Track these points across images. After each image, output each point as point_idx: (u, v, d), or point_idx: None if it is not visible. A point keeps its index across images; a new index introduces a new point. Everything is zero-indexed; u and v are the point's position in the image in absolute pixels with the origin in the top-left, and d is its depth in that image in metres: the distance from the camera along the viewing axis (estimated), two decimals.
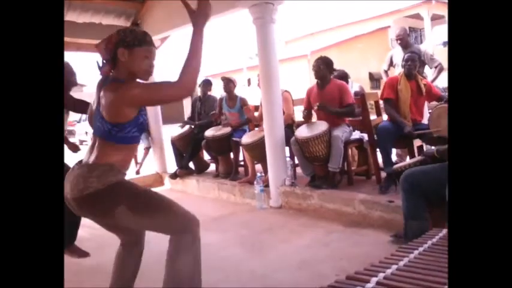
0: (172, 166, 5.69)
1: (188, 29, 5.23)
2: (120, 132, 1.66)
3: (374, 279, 1.35)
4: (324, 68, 3.82)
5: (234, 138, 4.68)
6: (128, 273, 1.95)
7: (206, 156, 5.46)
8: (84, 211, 1.73)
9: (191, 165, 5.34)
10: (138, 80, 1.72)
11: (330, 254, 2.70)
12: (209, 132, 4.85)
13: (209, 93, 5.48)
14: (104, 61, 1.74)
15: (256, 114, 4.73)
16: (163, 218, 1.75)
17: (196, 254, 1.76)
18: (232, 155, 4.90)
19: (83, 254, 2.85)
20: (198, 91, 5.59)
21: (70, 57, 9.13)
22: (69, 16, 5.24)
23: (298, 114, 4.82)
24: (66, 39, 5.44)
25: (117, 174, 1.69)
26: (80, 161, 1.80)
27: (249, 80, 20.74)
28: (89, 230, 3.20)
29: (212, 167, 5.35)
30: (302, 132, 3.80)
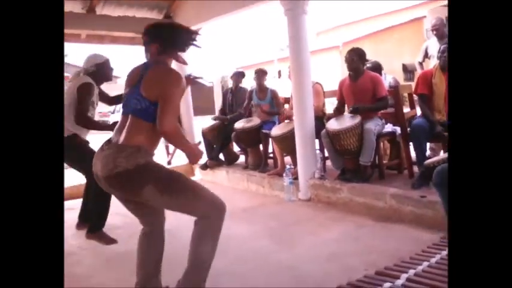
0: (203, 157, 5.74)
1: (219, 21, 5.28)
2: (157, 111, 1.76)
3: (404, 276, 1.34)
4: (356, 59, 3.75)
5: (264, 131, 4.69)
6: (151, 261, 2.00)
7: (236, 148, 5.50)
8: (113, 188, 1.83)
9: (221, 156, 5.40)
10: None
11: (359, 248, 2.68)
12: (239, 124, 4.87)
13: (240, 85, 5.51)
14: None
15: (286, 106, 4.70)
16: (190, 199, 1.84)
17: (217, 236, 1.88)
18: (261, 147, 4.91)
19: (111, 240, 2.95)
20: (230, 83, 5.61)
21: (105, 49, 9.35)
22: (105, 10, 5.37)
23: (330, 106, 4.76)
24: (101, 32, 5.60)
25: (145, 156, 1.77)
26: (108, 140, 1.89)
27: (279, 72, 20.65)
28: (121, 218, 3.29)
29: (242, 158, 5.39)
30: (333, 124, 3.76)
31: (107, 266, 2.73)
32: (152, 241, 2.02)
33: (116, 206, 1.85)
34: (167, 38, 1.89)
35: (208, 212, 1.85)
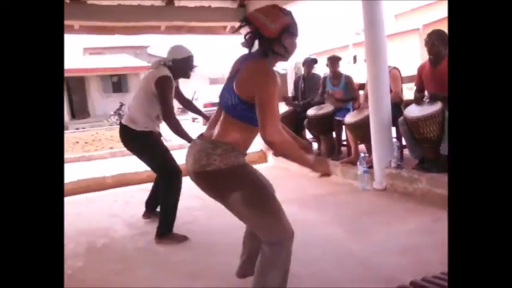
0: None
1: (293, 7, 5.22)
2: (246, 110, 1.63)
3: None
4: (438, 43, 3.49)
5: (337, 117, 4.59)
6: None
7: (308, 135, 5.46)
8: (201, 185, 1.74)
9: None
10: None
11: (435, 242, 2.53)
12: (311, 111, 4.82)
13: (313, 71, 5.43)
14: (252, 34, 1.68)
15: (361, 92, 4.54)
16: (267, 220, 1.69)
17: (286, 268, 1.70)
18: (334, 135, 4.82)
19: (183, 238, 2.93)
20: (302, 69, 5.56)
21: (182, 39, 9.73)
22: (183, 1, 5.58)
23: (408, 92, 4.52)
24: (179, 23, 5.82)
25: (239, 156, 1.67)
26: (201, 134, 1.84)
27: (354, 57, 19.95)
28: (200, 202, 3.46)
29: (314, 146, 5.34)
30: (412, 111, 3.56)
31: (193, 261, 2.80)
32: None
33: (193, 188, 1.88)
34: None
35: (283, 239, 1.68)
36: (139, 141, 3.01)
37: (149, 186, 3.58)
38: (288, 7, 5.22)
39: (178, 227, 3.02)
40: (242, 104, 1.63)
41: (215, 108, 1.95)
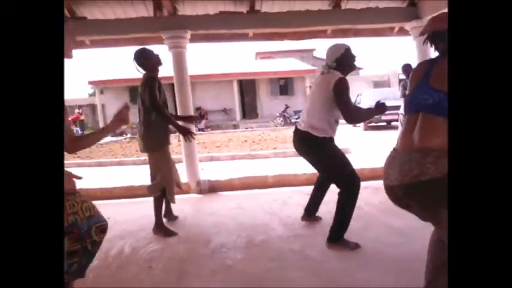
0: None
1: None
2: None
3: None
4: None
5: None
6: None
7: None
8: (410, 198, 1.63)
9: None
10: None
11: None
12: None
13: None
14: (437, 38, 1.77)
15: None
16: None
17: None
18: None
19: (355, 246, 2.88)
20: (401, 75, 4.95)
21: (347, 42, 9.60)
22: (350, 4, 5.51)
23: None
24: (345, 26, 5.76)
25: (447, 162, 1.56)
26: (395, 148, 1.74)
27: None
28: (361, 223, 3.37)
29: None
30: None
31: (354, 268, 2.84)
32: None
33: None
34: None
35: None
36: (320, 148, 3.03)
37: (306, 189, 3.64)
38: None
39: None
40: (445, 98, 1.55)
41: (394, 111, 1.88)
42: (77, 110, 19.50)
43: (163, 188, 3.55)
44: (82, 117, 19.74)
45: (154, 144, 3.51)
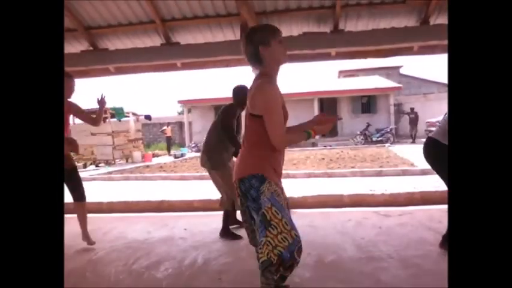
0: None
1: None
2: None
3: None
4: None
5: None
6: None
7: None
8: None
9: None
10: None
11: None
12: None
13: None
14: None
15: None
16: None
17: None
18: None
19: None
20: None
21: (435, 59, 9.13)
22: (439, 20, 5.23)
23: None
24: (432, 42, 5.48)
25: None
26: None
27: None
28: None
29: None
30: None
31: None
32: None
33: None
34: None
35: None
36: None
37: (384, 210, 3.47)
38: None
39: (406, 259, 2.85)
40: None
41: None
42: (165, 127, 20.56)
43: (233, 202, 3.88)
44: (168, 134, 19.93)
45: (221, 162, 3.90)
